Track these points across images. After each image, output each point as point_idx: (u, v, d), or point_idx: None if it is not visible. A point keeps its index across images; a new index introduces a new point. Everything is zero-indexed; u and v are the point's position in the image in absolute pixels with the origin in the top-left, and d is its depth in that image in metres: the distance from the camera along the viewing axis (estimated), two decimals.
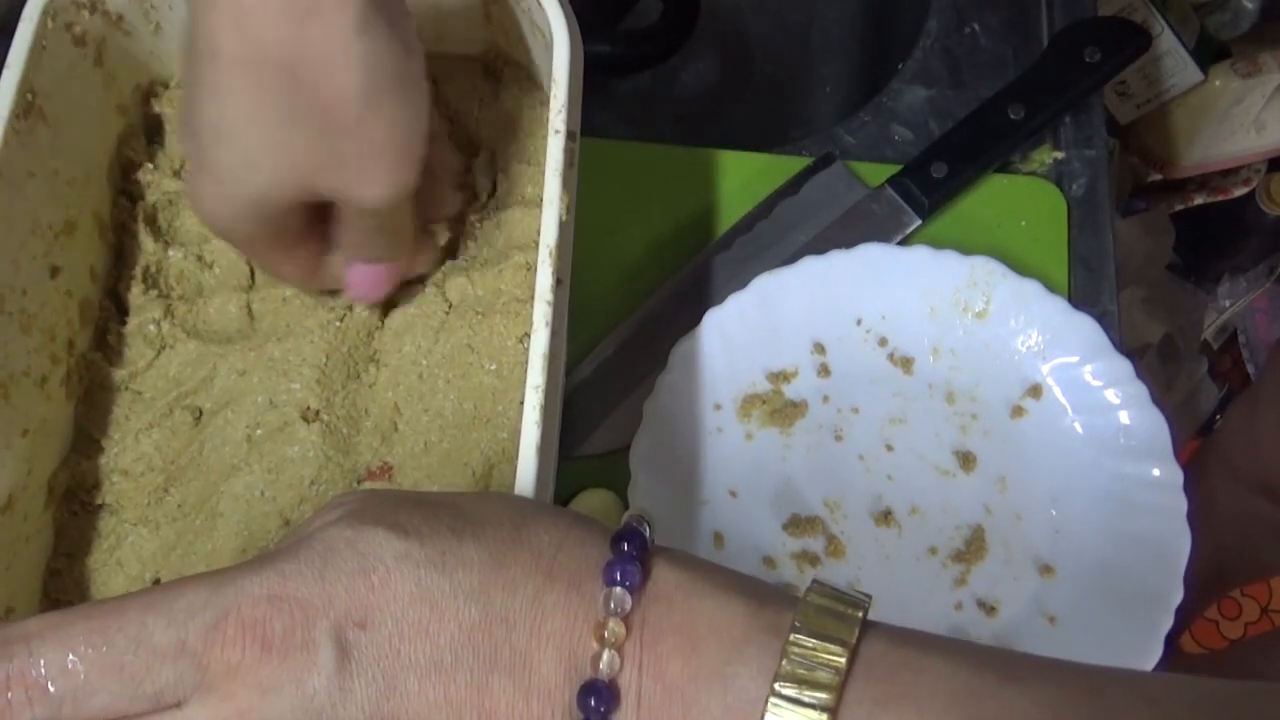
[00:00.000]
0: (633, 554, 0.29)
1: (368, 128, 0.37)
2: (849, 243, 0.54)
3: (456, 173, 0.48)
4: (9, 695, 0.27)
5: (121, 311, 0.47)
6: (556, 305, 0.40)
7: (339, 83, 0.36)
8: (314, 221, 0.43)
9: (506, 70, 0.50)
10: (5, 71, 0.42)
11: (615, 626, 0.28)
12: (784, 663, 0.27)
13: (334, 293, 0.47)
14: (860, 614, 0.28)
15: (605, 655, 0.28)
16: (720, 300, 0.53)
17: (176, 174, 0.49)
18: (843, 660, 0.27)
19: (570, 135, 0.42)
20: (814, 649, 0.27)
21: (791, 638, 0.27)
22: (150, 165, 0.49)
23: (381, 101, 0.37)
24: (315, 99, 0.36)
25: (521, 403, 0.39)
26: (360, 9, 0.35)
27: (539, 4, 0.43)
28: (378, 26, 0.36)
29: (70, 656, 0.27)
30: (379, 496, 0.31)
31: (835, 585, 0.29)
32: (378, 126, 0.37)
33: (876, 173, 0.57)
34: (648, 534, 0.30)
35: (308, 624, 0.28)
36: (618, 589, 0.28)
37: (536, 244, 0.41)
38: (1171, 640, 0.47)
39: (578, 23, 0.44)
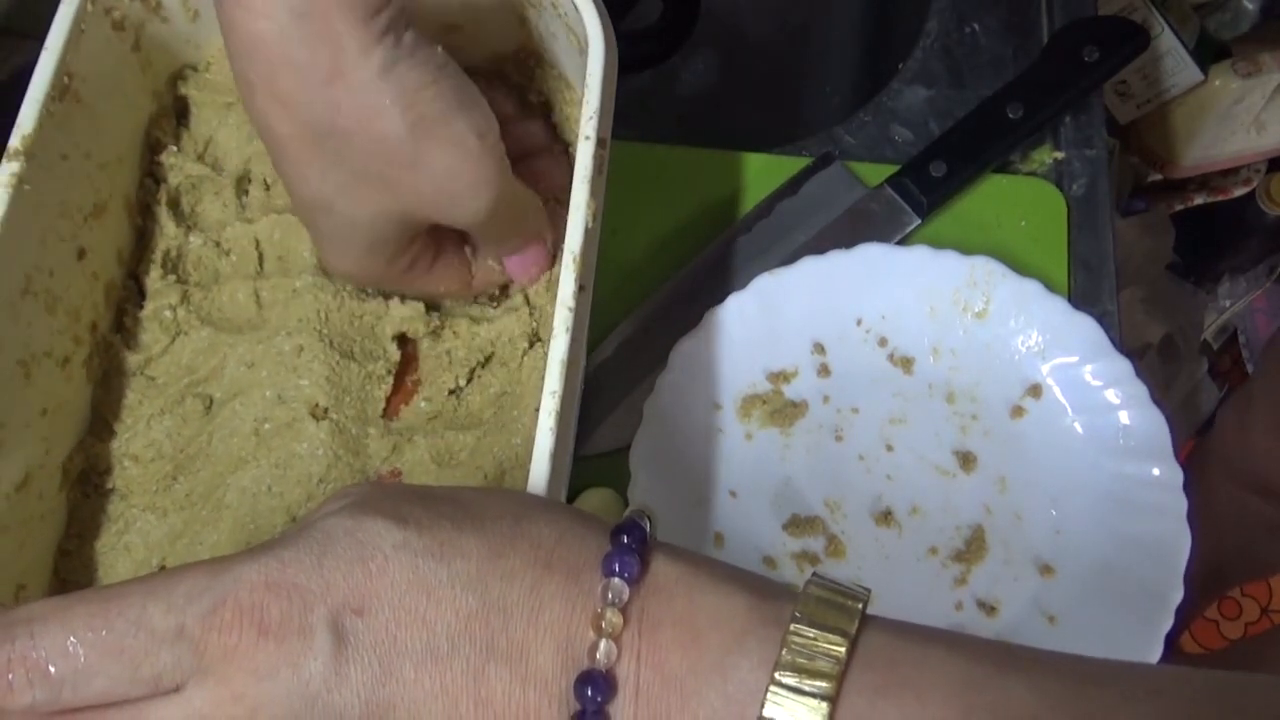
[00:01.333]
0: (632, 546, 0.29)
1: (430, 158, 0.38)
2: (848, 242, 0.54)
3: (555, 148, 0.49)
4: (10, 677, 0.27)
5: (140, 294, 0.47)
6: (578, 311, 0.40)
7: (382, 130, 0.37)
8: (443, 235, 0.44)
9: (538, 70, 0.50)
10: (43, 54, 0.42)
11: (612, 617, 0.28)
12: (784, 652, 0.27)
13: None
14: (860, 606, 0.28)
15: (602, 645, 0.28)
16: (720, 300, 0.53)
17: (200, 158, 0.49)
18: (843, 650, 0.27)
19: (601, 142, 0.42)
20: (814, 639, 0.27)
21: (792, 628, 0.28)
22: (174, 148, 0.49)
23: (431, 130, 0.38)
24: (369, 149, 0.38)
25: (536, 409, 0.39)
26: (378, 60, 0.37)
27: (576, 9, 0.43)
28: (400, 66, 0.37)
29: (71, 639, 0.27)
30: (382, 489, 0.32)
31: (835, 579, 0.29)
32: (438, 154, 0.38)
33: (877, 173, 0.57)
34: (648, 528, 0.30)
35: (305, 610, 0.28)
36: (616, 580, 0.29)
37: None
38: (1172, 640, 0.47)
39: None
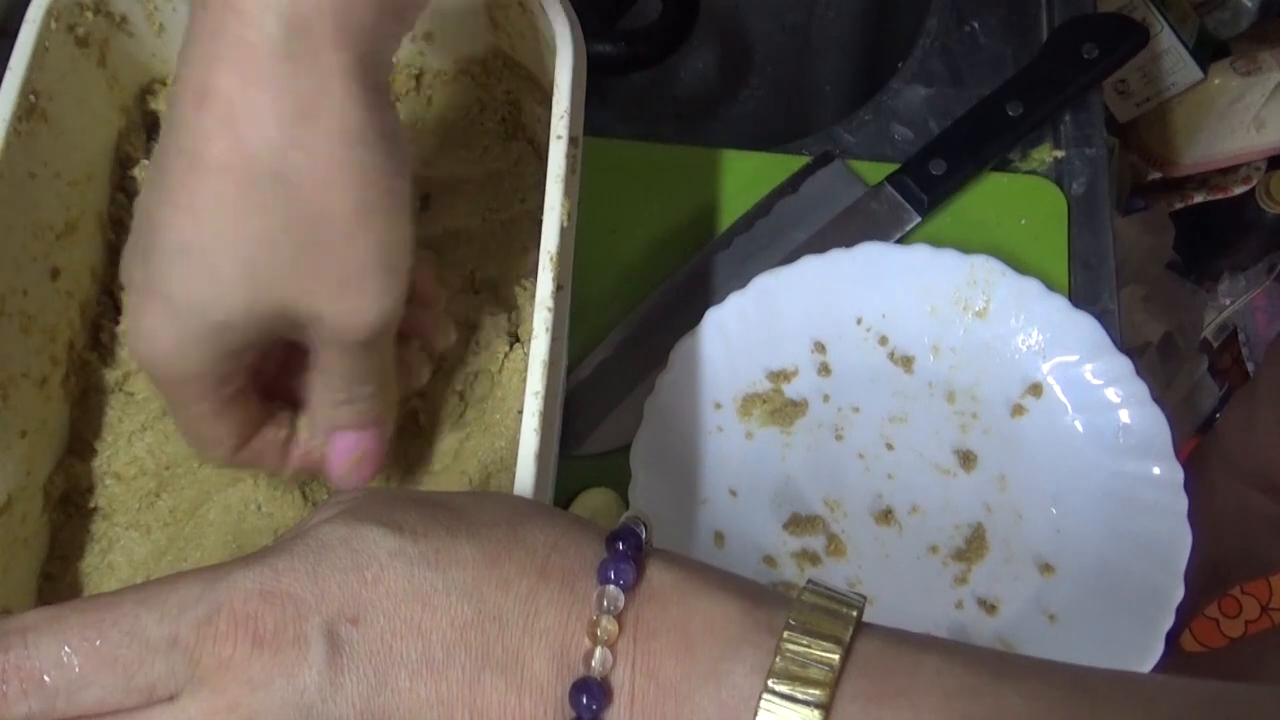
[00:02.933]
0: (627, 553, 0.29)
1: (357, 245, 0.34)
2: (848, 240, 0.54)
3: (441, 303, 0.45)
4: (4, 688, 0.27)
5: (115, 309, 0.47)
6: (557, 311, 0.39)
7: (331, 194, 0.33)
8: (254, 383, 0.39)
9: (506, 71, 0.50)
10: (7, 74, 0.42)
11: (608, 624, 0.28)
12: (777, 660, 0.27)
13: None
14: (855, 613, 0.28)
15: (597, 653, 0.28)
16: (720, 299, 0.53)
17: None
18: (836, 657, 0.27)
19: (572, 140, 0.42)
20: (808, 646, 0.27)
21: (785, 635, 0.27)
22: (145, 162, 0.48)
23: (372, 219, 0.34)
24: (304, 211, 0.33)
25: (519, 411, 0.38)
26: (359, 117, 0.33)
27: (543, 9, 0.43)
28: (373, 138, 0.34)
29: (65, 649, 0.27)
30: (375, 496, 0.31)
31: (830, 585, 0.29)
32: (367, 244, 0.34)
33: (877, 171, 0.57)
34: (644, 534, 0.30)
35: (299, 619, 0.28)
36: (611, 587, 0.28)
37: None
38: (1172, 638, 0.47)
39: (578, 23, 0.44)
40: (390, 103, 0.35)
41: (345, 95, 0.33)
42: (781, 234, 0.56)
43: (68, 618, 0.28)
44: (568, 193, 0.41)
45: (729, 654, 0.28)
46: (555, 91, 0.42)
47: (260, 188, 0.33)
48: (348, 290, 0.35)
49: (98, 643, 0.27)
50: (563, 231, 0.40)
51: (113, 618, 0.28)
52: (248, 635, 0.27)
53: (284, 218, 0.33)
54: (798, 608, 0.28)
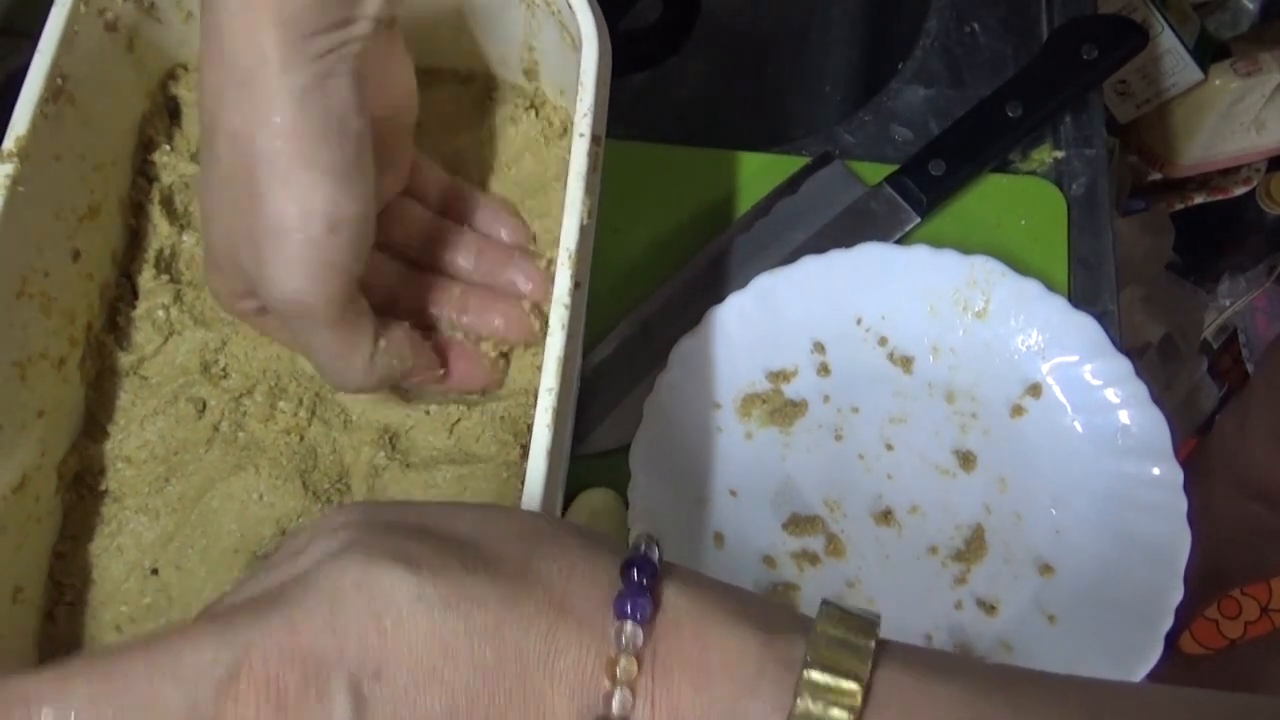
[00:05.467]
0: (642, 584, 0.29)
1: (267, 198, 0.36)
2: (848, 241, 0.54)
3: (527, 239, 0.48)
4: None
5: (133, 293, 0.47)
6: (574, 309, 0.39)
7: (252, 141, 0.36)
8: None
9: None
10: (36, 56, 0.42)
11: (627, 664, 0.27)
12: (798, 701, 0.27)
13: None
14: (872, 644, 0.28)
15: (617, 694, 0.27)
16: (720, 299, 0.53)
17: (193, 157, 0.49)
18: (858, 698, 0.27)
19: (595, 139, 0.42)
20: (828, 685, 0.27)
21: (804, 674, 0.27)
22: (168, 147, 0.49)
23: (288, 171, 0.36)
24: (234, 157, 0.36)
25: (532, 408, 0.38)
26: (293, 83, 0.35)
27: (569, 6, 0.43)
28: (309, 101, 0.36)
29: None
30: (375, 520, 0.30)
31: (846, 606, 0.29)
32: (276, 199, 0.36)
33: (876, 172, 0.57)
34: (657, 558, 0.29)
35: (321, 677, 0.27)
36: (629, 624, 0.28)
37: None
38: (1171, 639, 0.47)
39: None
40: (348, 99, 0.37)
41: (281, 68, 0.35)
42: (781, 234, 0.56)
43: (74, 683, 0.26)
44: (589, 190, 0.41)
45: (747, 691, 0.28)
46: (579, 90, 0.42)
47: (216, 140, 0.37)
48: (266, 254, 0.36)
49: (110, 714, 0.26)
50: (582, 229, 0.40)
51: (124, 684, 0.26)
52: (270, 699, 0.26)
53: (225, 161, 0.37)
54: (814, 641, 0.28)
